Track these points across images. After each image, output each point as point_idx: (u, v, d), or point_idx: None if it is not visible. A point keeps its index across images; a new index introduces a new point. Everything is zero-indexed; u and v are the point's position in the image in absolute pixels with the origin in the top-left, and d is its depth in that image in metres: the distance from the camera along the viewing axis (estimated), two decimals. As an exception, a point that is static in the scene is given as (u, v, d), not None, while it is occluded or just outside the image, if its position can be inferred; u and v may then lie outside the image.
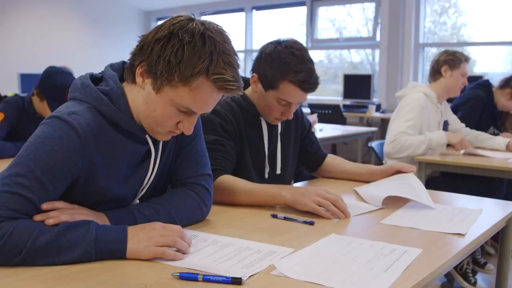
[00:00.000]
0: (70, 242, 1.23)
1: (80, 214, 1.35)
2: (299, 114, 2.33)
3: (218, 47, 1.32)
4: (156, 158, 1.52)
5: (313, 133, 2.43)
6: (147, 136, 1.47)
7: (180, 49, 1.30)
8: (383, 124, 7.30)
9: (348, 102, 7.61)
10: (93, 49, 10.00)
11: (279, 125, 2.21)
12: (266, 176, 2.20)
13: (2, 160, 2.98)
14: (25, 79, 8.05)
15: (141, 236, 1.29)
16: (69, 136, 1.31)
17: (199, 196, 1.60)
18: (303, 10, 8.71)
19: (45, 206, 1.30)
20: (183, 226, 1.48)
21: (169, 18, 1.37)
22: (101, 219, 1.39)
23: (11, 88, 8.18)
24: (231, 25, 9.93)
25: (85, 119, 1.35)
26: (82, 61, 8.98)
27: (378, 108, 7.26)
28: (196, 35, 1.31)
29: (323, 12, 8.63)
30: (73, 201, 1.39)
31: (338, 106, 6.88)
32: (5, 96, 7.69)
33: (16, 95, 6.97)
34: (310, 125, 2.42)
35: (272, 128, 2.18)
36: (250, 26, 9.56)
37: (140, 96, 1.40)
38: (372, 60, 8.72)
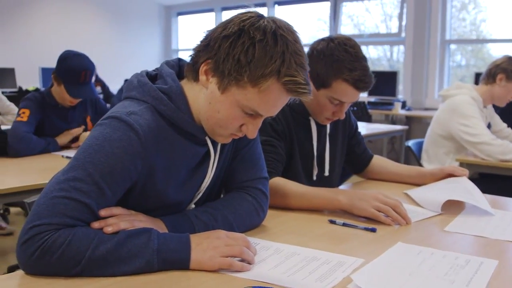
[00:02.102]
0: (131, 252, 1.15)
1: (139, 221, 1.27)
2: (346, 114, 2.24)
3: (290, 47, 1.22)
4: (214, 160, 1.44)
5: (359, 133, 2.34)
6: (206, 138, 1.39)
7: (251, 48, 1.20)
8: (408, 122, 7.19)
9: (373, 99, 7.48)
10: (114, 43, 9.98)
11: (328, 125, 2.13)
12: (315, 178, 2.11)
13: (34, 156, 2.93)
14: (46, 72, 8.03)
15: (205, 246, 1.20)
16: (130, 138, 1.22)
17: (256, 201, 1.51)
18: (326, 6, 8.59)
19: (103, 212, 1.21)
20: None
21: (236, 14, 1.28)
22: (159, 225, 1.31)
23: (32, 82, 8.19)
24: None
25: (145, 119, 1.26)
26: (103, 55, 8.93)
27: (403, 105, 7.13)
28: (268, 33, 1.21)
29: (343, 7, 8.51)
30: (129, 206, 1.31)
31: (363, 103, 6.77)
32: (27, 90, 7.74)
33: (37, 89, 6.93)
34: (357, 125, 2.33)
35: (321, 128, 2.10)
36: (271, 21, 9.44)
37: (202, 96, 1.31)
38: (390, 56, 8.60)
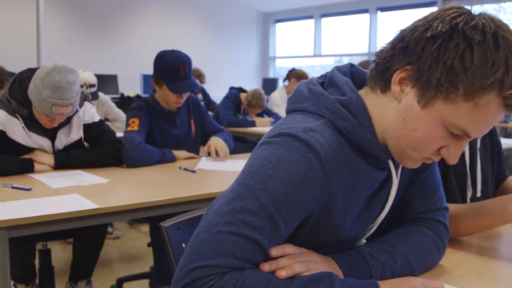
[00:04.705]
0: None
1: (314, 262, 1.05)
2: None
3: None
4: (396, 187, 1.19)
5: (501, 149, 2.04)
6: (389, 161, 1.15)
7: (468, 52, 0.94)
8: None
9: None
10: (213, 50, 10.01)
11: (478, 139, 1.85)
12: (468, 201, 1.82)
13: (150, 167, 2.80)
14: (146, 79, 8.10)
15: (399, 297, 0.97)
16: (309, 160, 1.00)
17: (438, 236, 1.25)
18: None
19: (274, 252, 1.01)
20: (417, 275, 1.17)
21: (439, 10, 1.03)
22: (333, 267, 1.09)
23: (134, 89, 8.30)
24: (354, 26, 9.54)
25: (326, 138, 1.04)
26: (202, 62, 8.91)
27: (520, 117, 6.62)
28: (488, 34, 0.95)
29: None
30: (295, 242, 1.09)
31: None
32: (128, 97, 7.82)
33: (137, 96, 7.00)
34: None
35: (472, 142, 1.82)
36: (374, 28, 9.13)
37: (392, 110, 1.06)
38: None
